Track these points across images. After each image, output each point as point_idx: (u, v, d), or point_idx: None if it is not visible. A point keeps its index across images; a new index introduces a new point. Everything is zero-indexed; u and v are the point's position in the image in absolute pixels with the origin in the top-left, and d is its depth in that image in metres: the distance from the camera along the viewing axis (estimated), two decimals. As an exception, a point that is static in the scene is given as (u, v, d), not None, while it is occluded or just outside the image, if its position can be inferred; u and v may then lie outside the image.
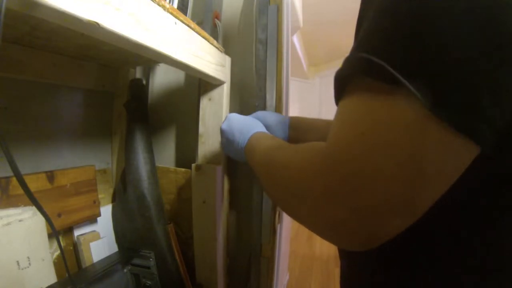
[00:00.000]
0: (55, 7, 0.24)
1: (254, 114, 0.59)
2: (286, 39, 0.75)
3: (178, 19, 0.42)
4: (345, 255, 0.36)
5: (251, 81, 0.69)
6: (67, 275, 0.45)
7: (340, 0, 2.12)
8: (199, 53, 0.50)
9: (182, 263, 0.67)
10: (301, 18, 1.65)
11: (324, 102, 3.91)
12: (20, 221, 0.45)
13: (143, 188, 0.64)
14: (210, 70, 0.55)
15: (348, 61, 0.23)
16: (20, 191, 0.43)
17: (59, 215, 0.57)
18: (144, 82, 0.76)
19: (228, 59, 0.65)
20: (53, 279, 0.50)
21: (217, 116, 0.64)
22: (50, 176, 0.56)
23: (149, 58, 0.44)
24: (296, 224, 2.66)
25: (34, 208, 0.48)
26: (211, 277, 0.65)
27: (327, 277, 1.88)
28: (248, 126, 0.52)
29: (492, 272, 0.24)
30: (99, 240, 0.66)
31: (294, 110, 3.62)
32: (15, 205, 0.48)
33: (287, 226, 1.46)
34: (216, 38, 0.66)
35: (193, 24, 0.47)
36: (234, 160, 0.61)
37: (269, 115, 0.58)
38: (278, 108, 0.68)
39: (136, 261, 0.64)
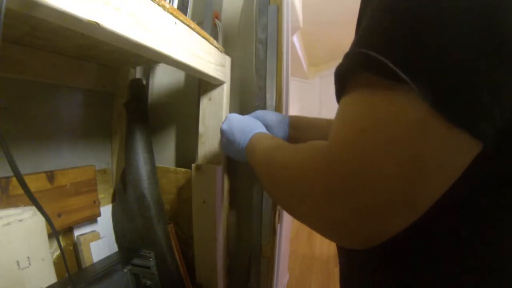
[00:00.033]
0: (55, 7, 0.24)
1: (253, 114, 0.59)
2: (286, 39, 0.75)
3: (178, 19, 0.42)
4: (345, 253, 0.36)
5: (251, 81, 0.69)
6: (67, 275, 0.45)
7: (340, 0, 2.12)
8: (199, 53, 0.50)
9: (182, 263, 0.67)
10: (301, 18, 1.65)
11: (324, 102, 3.91)
12: (20, 221, 0.45)
13: (143, 188, 0.64)
14: (210, 70, 0.55)
15: (347, 57, 0.23)
16: (20, 191, 0.43)
17: (59, 215, 0.57)
18: (144, 82, 0.76)
19: (228, 59, 0.65)
20: (53, 279, 0.50)
21: (217, 116, 0.64)
22: (50, 176, 0.56)
23: (149, 58, 0.44)
24: (296, 224, 2.66)
25: (34, 208, 0.48)
26: (211, 277, 0.65)
27: (327, 277, 1.88)
28: (249, 126, 0.52)
29: (492, 272, 0.24)
30: (99, 240, 0.66)
31: (294, 110, 3.62)
32: (15, 205, 0.48)
33: (287, 226, 1.46)
34: (216, 38, 0.66)
35: (193, 24, 0.47)
36: (234, 160, 0.61)
37: (269, 114, 0.58)
38: (278, 108, 0.68)
39: (136, 261, 0.64)
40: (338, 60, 0.24)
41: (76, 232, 0.63)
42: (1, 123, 0.51)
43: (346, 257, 0.36)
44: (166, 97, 0.79)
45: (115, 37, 0.32)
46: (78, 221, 0.62)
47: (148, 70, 0.79)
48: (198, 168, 0.63)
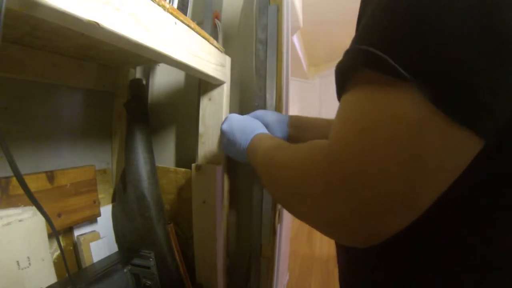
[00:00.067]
0: (55, 7, 0.24)
1: (253, 113, 0.59)
2: (286, 39, 0.75)
3: (178, 19, 0.42)
4: (345, 252, 0.36)
5: (251, 81, 0.69)
6: (67, 275, 0.45)
7: (340, 0, 2.12)
8: (199, 53, 0.50)
9: (182, 263, 0.67)
10: (301, 18, 1.65)
11: (324, 102, 3.91)
12: (20, 221, 0.45)
13: (143, 188, 0.64)
14: (210, 70, 0.55)
15: (347, 54, 0.23)
16: (20, 191, 0.43)
17: (59, 215, 0.57)
18: (144, 82, 0.76)
19: (228, 59, 0.65)
20: (53, 279, 0.50)
21: (217, 116, 0.64)
22: (50, 176, 0.56)
23: (149, 58, 0.44)
24: (296, 224, 2.66)
25: (34, 208, 0.48)
26: (211, 277, 0.65)
27: (327, 277, 1.88)
28: (250, 127, 0.51)
29: (492, 270, 0.24)
30: (99, 240, 0.66)
31: (294, 110, 3.62)
32: (15, 205, 0.48)
33: (287, 226, 1.46)
34: (216, 38, 0.66)
35: (193, 24, 0.47)
36: (234, 160, 0.61)
37: (268, 114, 0.58)
38: (278, 108, 0.68)
39: (136, 261, 0.64)
40: (338, 60, 0.24)
41: (76, 232, 0.63)
42: (1, 123, 0.51)
43: (346, 255, 0.36)
44: (166, 97, 0.79)
45: (115, 37, 0.32)
46: (78, 221, 0.62)
47: (148, 70, 0.79)
48: (198, 168, 0.63)
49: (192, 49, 0.47)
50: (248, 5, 0.71)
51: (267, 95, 0.67)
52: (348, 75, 0.23)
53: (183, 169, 0.71)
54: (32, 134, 0.57)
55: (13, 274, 0.44)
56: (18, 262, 0.44)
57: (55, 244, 0.55)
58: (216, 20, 0.68)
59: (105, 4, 0.29)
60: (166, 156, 0.79)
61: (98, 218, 0.68)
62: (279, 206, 0.72)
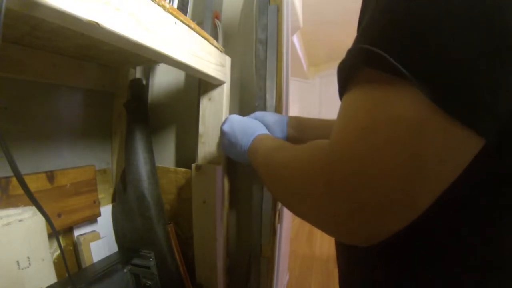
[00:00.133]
0: (55, 7, 0.24)
1: (253, 115, 0.59)
2: (286, 39, 0.75)
3: (178, 19, 0.42)
4: (345, 251, 0.36)
5: (251, 81, 0.69)
6: (67, 275, 0.45)
7: (340, 0, 2.12)
8: (199, 53, 0.50)
9: (182, 263, 0.67)
10: (301, 18, 1.65)
11: (324, 102, 3.92)
12: (20, 221, 0.45)
13: (143, 188, 0.64)
14: (210, 70, 0.55)
15: (349, 53, 0.23)
16: (20, 191, 0.43)
17: (59, 215, 0.57)
18: (144, 82, 0.76)
19: (228, 59, 0.65)
20: (53, 279, 0.50)
21: (217, 116, 0.64)
22: (50, 176, 0.56)
23: (149, 58, 0.44)
24: (296, 224, 2.67)
25: (34, 208, 0.48)
26: (211, 277, 0.65)
27: (327, 277, 1.88)
28: (250, 128, 0.51)
29: (492, 270, 0.24)
30: (99, 240, 0.66)
31: (294, 110, 3.62)
32: (15, 205, 0.48)
33: (287, 226, 1.46)
34: (216, 38, 0.66)
35: (193, 24, 0.47)
36: (234, 160, 0.61)
37: (268, 115, 0.58)
38: (278, 108, 0.68)
39: (136, 261, 0.64)
40: (338, 60, 0.24)
41: (76, 232, 0.63)
42: (1, 123, 0.51)
43: (346, 255, 0.36)
44: (166, 97, 0.79)
45: (115, 37, 0.32)
46: (78, 221, 0.62)
47: (148, 70, 0.79)
48: (198, 168, 0.63)
49: (192, 49, 0.47)
50: (248, 5, 0.71)
51: (267, 95, 0.67)
52: (349, 74, 0.23)
53: (183, 169, 0.71)
54: (32, 134, 0.57)
55: (13, 274, 0.44)
56: (18, 262, 0.44)
57: (55, 244, 0.55)
58: (216, 20, 0.68)
59: (105, 4, 0.29)
60: (166, 156, 0.79)
61: (98, 218, 0.68)
62: (279, 206, 0.72)
